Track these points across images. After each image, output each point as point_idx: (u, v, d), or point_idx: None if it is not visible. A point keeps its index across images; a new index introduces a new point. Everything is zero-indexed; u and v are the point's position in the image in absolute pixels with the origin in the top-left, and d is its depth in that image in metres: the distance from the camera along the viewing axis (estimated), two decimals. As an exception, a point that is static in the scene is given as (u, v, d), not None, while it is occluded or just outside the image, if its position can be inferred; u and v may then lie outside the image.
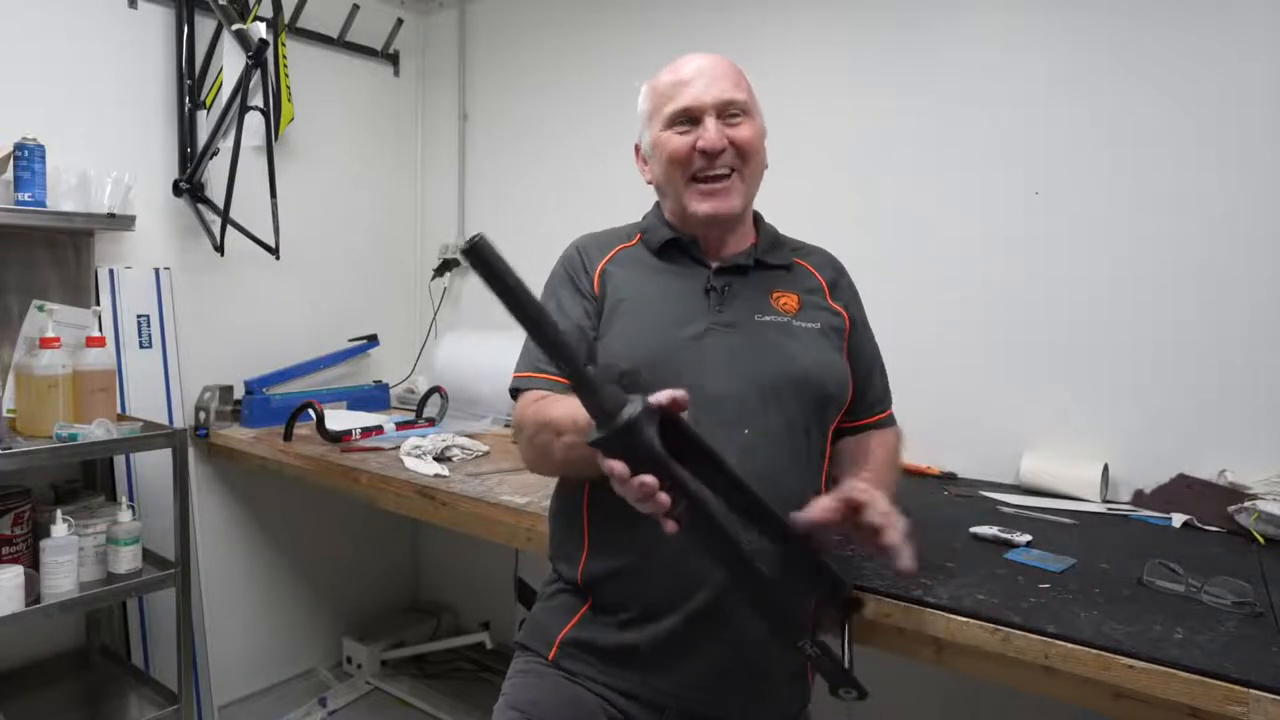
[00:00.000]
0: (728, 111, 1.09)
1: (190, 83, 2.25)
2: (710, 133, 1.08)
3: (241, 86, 2.06)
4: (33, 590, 1.69)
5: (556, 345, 0.74)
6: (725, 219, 1.12)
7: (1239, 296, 1.56)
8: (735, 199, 1.11)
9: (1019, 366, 1.80)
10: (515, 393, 1.14)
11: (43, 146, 1.87)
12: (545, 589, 1.20)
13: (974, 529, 1.38)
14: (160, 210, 2.26)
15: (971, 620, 1.04)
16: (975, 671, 1.08)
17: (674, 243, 1.16)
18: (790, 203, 2.09)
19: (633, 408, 0.75)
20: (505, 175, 2.73)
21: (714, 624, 1.02)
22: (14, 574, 1.65)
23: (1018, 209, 1.79)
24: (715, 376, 1.05)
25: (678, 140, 1.10)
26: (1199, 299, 1.60)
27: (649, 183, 1.20)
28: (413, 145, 2.95)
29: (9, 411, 1.83)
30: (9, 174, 1.85)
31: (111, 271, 2.14)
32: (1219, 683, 0.89)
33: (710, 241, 1.16)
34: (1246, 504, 1.44)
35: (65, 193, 1.95)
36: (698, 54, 1.14)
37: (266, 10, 2.29)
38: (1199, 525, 1.49)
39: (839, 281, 1.23)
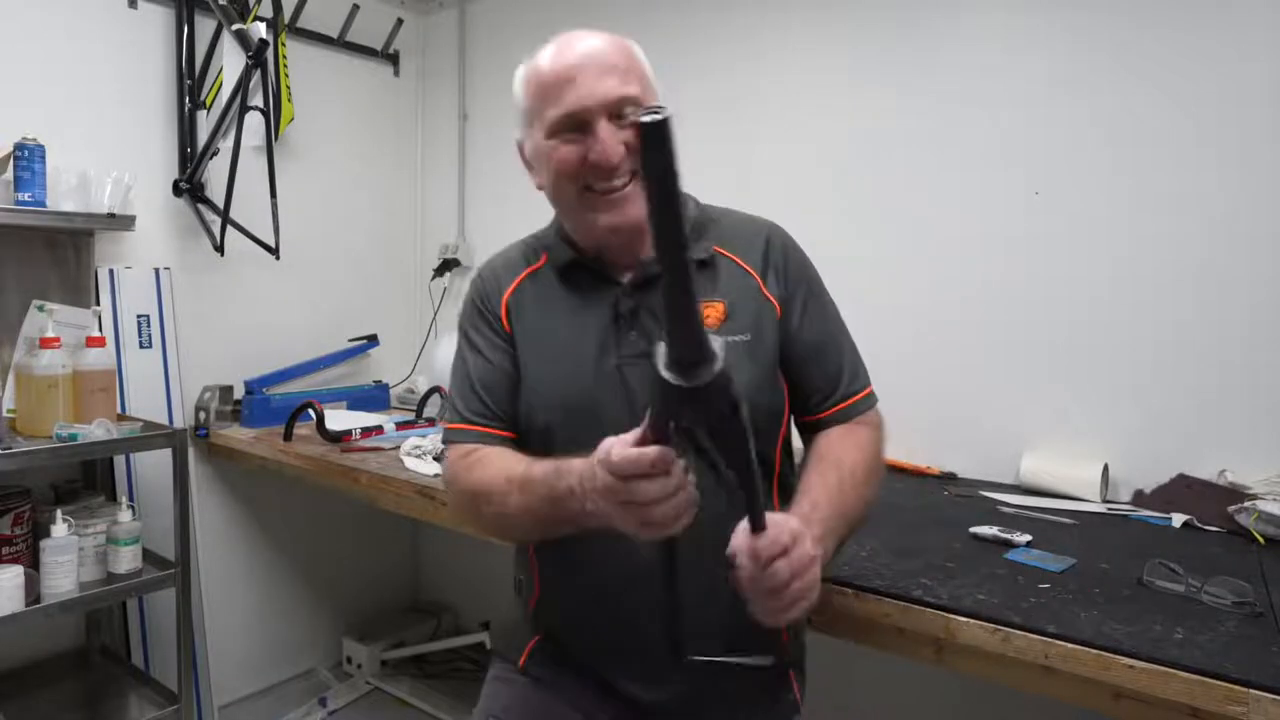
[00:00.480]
0: (620, 110, 0.93)
1: (190, 83, 2.25)
2: (603, 144, 0.92)
3: (241, 86, 2.06)
4: (33, 590, 1.69)
5: (687, 271, 0.62)
6: (628, 230, 0.97)
7: (1239, 296, 1.56)
8: (638, 206, 0.93)
9: (1019, 366, 1.80)
10: (445, 443, 1.07)
11: (43, 146, 1.87)
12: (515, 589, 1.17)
13: (974, 529, 1.38)
14: (160, 210, 2.26)
15: (971, 620, 1.04)
16: (975, 671, 1.08)
17: (576, 263, 1.03)
18: (790, 203, 2.10)
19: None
20: (505, 175, 2.73)
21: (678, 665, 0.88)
22: (14, 574, 1.65)
23: (1018, 209, 1.79)
24: (621, 424, 0.88)
25: (565, 151, 0.94)
26: (1199, 299, 1.60)
27: (539, 188, 1.04)
28: (413, 145, 2.95)
29: (9, 411, 1.83)
30: (9, 174, 1.85)
31: (111, 271, 2.14)
32: (1219, 683, 0.89)
33: (616, 252, 1.01)
34: (1246, 504, 1.44)
35: (65, 193, 1.94)
36: (579, 34, 0.98)
37: (266, 10, 2.29)
38: (1199, 525, 1.49)
39: (773, 260, 1.04)
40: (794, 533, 0.77)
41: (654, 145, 0.58)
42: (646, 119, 0.58)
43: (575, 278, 1.03)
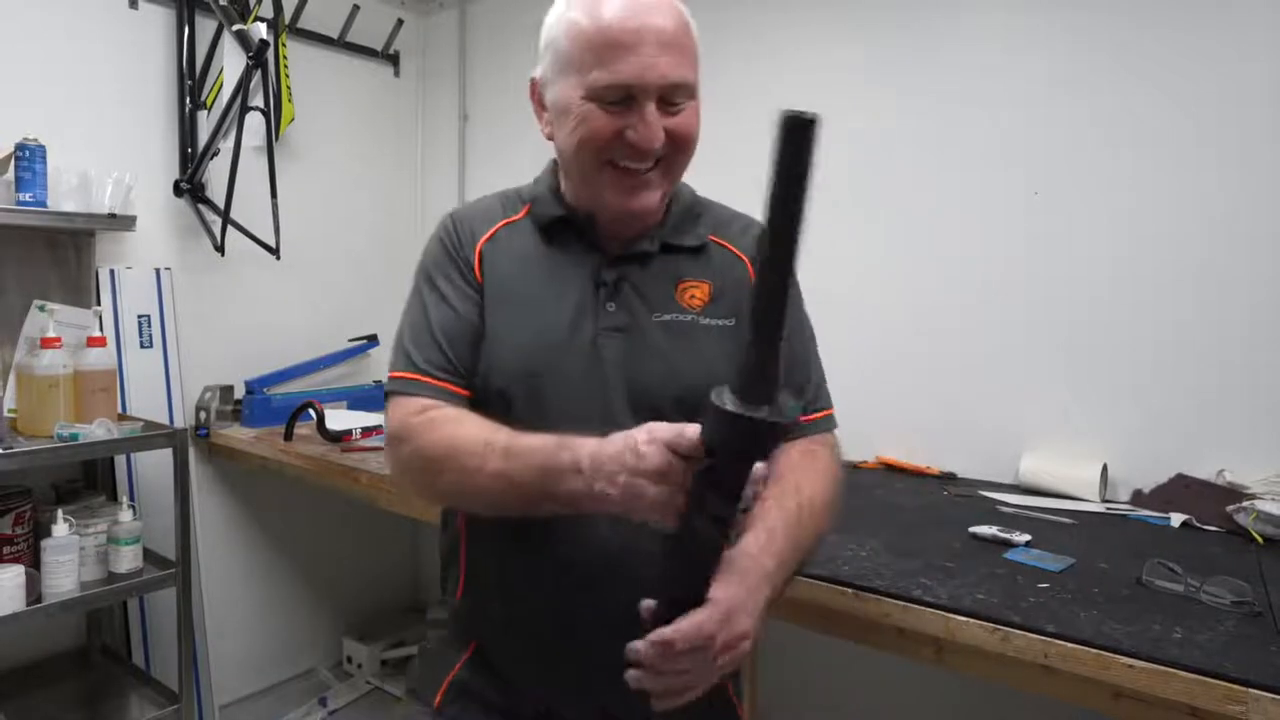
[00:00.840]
0: (673, 97, 0.86)
1: (191, 83, 2.26)
2: (648, 127, 0.85)
3: (242, 87, 2.07)
4: (34, 590, 1.69)
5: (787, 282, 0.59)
6: (642, 214, 0.92)
7: (1239, 296, 1.56)
8: (657, 195, 0.91)
9: (1019, 366, 1.80)
10: (389, 395, 0.94)
11: (44, 147, 1.88)
12: (432, 618, 1.06)
13: (973, 529, 1.38)
14: (161, 210, 2.26)
15: (971, 620, 1.04)
16: (975, 671, 1.08)
17: (563, 221, 0.96)
18: (790, 203, 2.10)
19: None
20: (505, 175, 2.71)
21: (618, 670, 0.75)
22: (15, 573, 1.65)
23: (1018, 209, 1.79)
24: (591, 398, 0.89)
25: (602, 121, 0.86)
26: (1199, 299, 1.60)
27: (547, 137, 0.96)
28: (413, 145, 2.95)
29: (10, 411, 1.83)
30: (10, 174, 1.85)
31: (112, 271, 2.14)
32: (1218, 682, 0.89)
33: (612, 223, 0.95)
34: (1245, 504, 1.44)
35: (66, 193, 1.95)
36: None
37: (267, 11, 2.29)
38: (1198, 525, 1.49)
39: None
40: (725, 615, 0.71)
41: (798, 145, 0.55)
42: (799, 116, 0.54)
43: (559, 236, 0.96)
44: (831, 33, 2.04)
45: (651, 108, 0.85)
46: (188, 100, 2.25)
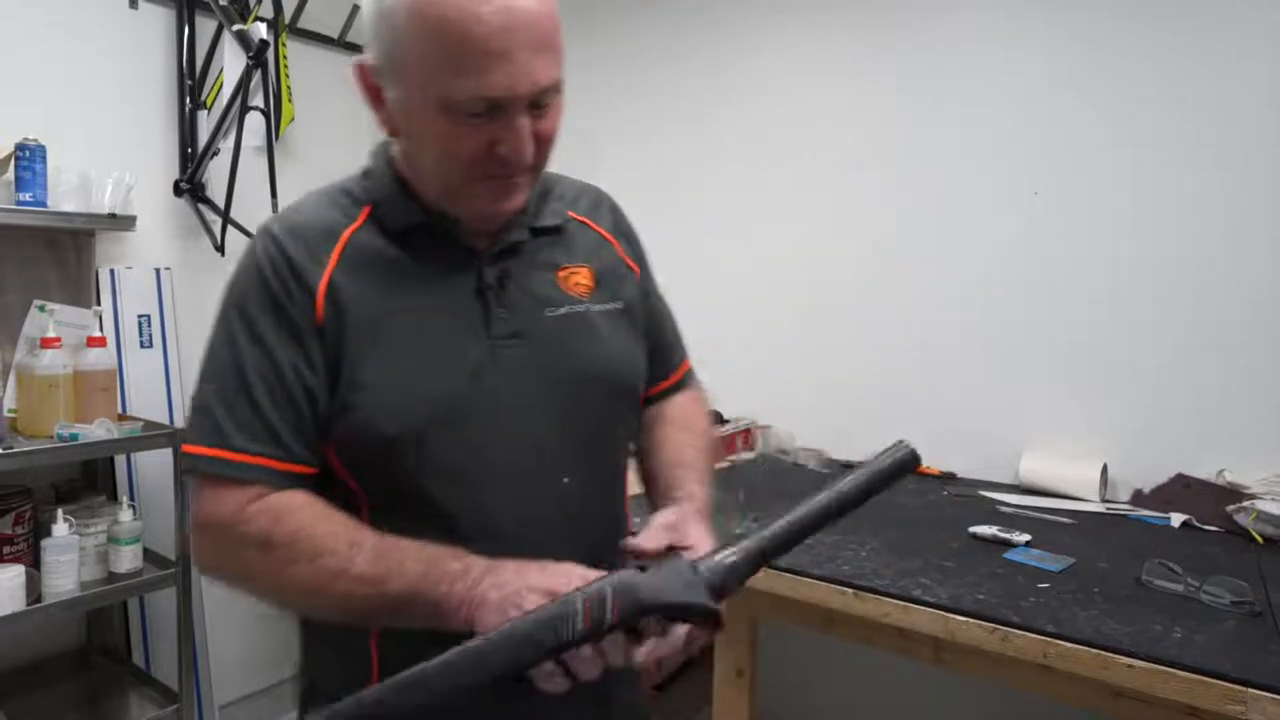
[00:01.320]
0: (543, 99, 0.74)
1: (191, 83, 2.26)
2: (521, 141, 0.73)
3: (242, 87, 2.07)
4: (34, 590, 1.69)
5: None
6: (511, 215, 0.82)
7: (1239, 296, 1.56)
8: (525, 195, 0.80)
9: (1019, 367, 1.80)
10: (194, 477, 0.76)
11: (43, 147, 1.87)
12: None
13: (973, 529, 1.38)
14: (161, 210, 2.26)
15: (971, 620, 1.04)
16: (974, 671, 1.08)
17: (423, 227, 0.81)
18: (787, 203, 2.10)
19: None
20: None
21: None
22: (15, 573, 1.65)
23: (1018, 209, 1.79)
24: (517, 418, 0.78)
25: (467, 137, 0.73)
26: (1199, 299, 1.60)
27: (390, 134, 0.82)
28: (413, 145, 2.95)
29: (10, 411, 1.83)
30: (10, 174, 1.85)
31: (112, 271, 2.14)
32: (1218, 682, 0.89)
33: (474, 221, 0.82)
34: (1245, 504, 1.44)
35: (66, 193, 1.95)
36: None
37: (267, 11, 2.29)
38: (1198, 525, 1.49)
39: (621, 226, 0.95)
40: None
41: (898, 474, 0.73)
42: (915, 455, 0.73)
43: (416, 239, 0.81)
44: (830, 32, 2.04)
45: (524, 119, 0.73)
46: (188, 100, 2.25)
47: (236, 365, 0.76)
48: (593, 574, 0.66)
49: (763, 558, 0.67)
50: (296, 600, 0.77)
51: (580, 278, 0.86)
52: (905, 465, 0.72)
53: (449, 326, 0.79)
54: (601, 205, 0.95)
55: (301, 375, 0.75)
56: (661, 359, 0.96)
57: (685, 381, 1.00)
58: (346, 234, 0.80)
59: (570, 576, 0.66)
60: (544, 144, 0.76)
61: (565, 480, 0.79)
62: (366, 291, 0.77)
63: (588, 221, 0.91)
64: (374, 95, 0.80)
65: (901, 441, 0.73)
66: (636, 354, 0.89)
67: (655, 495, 0.87)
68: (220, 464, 0.73)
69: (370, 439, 0.74)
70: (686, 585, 0.64)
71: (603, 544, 0.77)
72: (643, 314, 0.92)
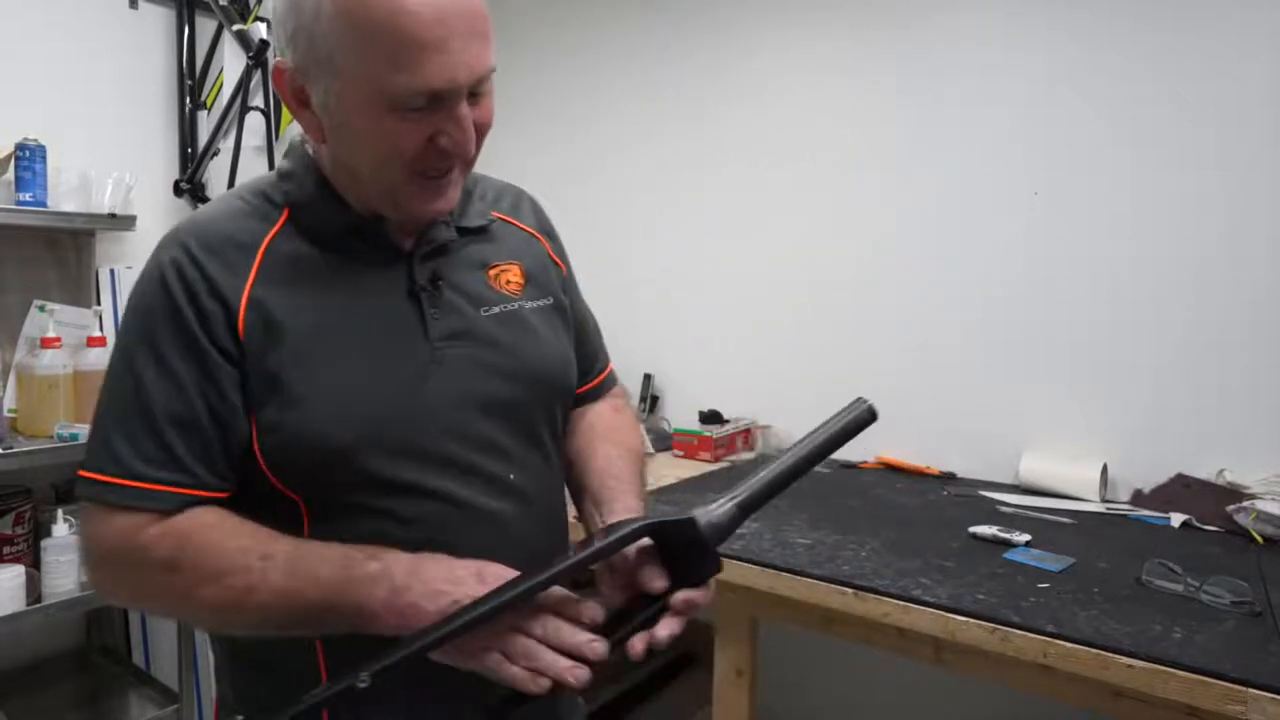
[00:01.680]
0: (480, 87, 0.72)
1: (191, 83, 2.26)
2: (464, 131, 0.72)
3: (242, 87, 2.07)
4: (34, 590, 1.69)
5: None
6: (445, 213, 0.80)
7: (1239, 296, 1.57)
8: (458, 191, 0.79)
9: (1019, 367, 1.80)
10: (90, 504, 0.73)
11: (44, 147, 1.88)
12: None
13: (973, 529, 1.38)
14: (161, 210, 2.26)
15: (971, 620, 1.04)
16: (974, 671, 1.08)
17: (350, 229, 0.78)
18: (787, 203, 2.10)
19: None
20: (504, 175, 2.72)
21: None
22: (15, 573, 1.65)
23: (1018, 209, 1.79)
24: (463, 419, 0.77)
25: (409, 133, 0.70)
26: (1199, 299, 1.60)
27: (318, 140, 0.76)
28: (413, 145, 2.95)
29: (10, 411, 1.83)
30: (10, 174, 1.85)
31: (112, 271, 2.14)
32: (1217, 682, 0.89)
33: (402, 221, 0.80)
34: (1245, 504, 1.44)
35: (66, 193, 1.95)
36: None
37: (267, 11, 2.29)
38: (1198, 525, 1.49)
39: (544, 225, 0.95)
40: None
41: (855, 430, 0.79)
42: (873, 412, 0.78)
43: (344, 245, 0.78)
44: (830, 32, 2.04)
45: (464, 108, 0.71)
46: (188, 100, 2.25)
47: (137, 389, 0.73)
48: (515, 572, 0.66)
49: (744, 512, 0.71)
50: (210, 620, 0.75)
51: (511, 275, 0.85)
52: (863, 421, 0.77)
53: (385, 330, 0.76)
54: (523, 203, 0.95)
55: (208, 398, 0.71)
56: (585, 358, 0.96)
57: (608, 384, 1.01)
58: (265, 242, 0.76)
59: (501, 572, 0.66)
60: (481, 133, 0.75)
61: (511, 477, 0.79)
62: (292, 301, 0.74)
63: (512, 220, 0.91)
64: (298, 98, 0.74)
65: (860, 399, 0.78)
66: (569, 351, 0.90)
67: (584, 503, 0.87)
68: (120, 491, 0.70)
69: (310, 451, 0.71)
70: (678, 514, 0.70)
71: (548, 541, 0.80)
72: (571, 311, 0.93)
